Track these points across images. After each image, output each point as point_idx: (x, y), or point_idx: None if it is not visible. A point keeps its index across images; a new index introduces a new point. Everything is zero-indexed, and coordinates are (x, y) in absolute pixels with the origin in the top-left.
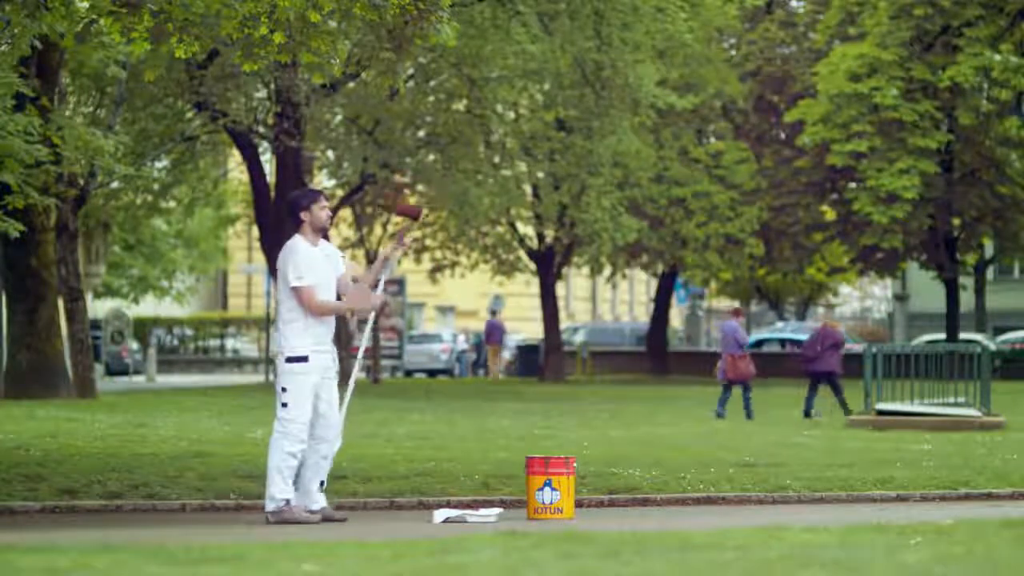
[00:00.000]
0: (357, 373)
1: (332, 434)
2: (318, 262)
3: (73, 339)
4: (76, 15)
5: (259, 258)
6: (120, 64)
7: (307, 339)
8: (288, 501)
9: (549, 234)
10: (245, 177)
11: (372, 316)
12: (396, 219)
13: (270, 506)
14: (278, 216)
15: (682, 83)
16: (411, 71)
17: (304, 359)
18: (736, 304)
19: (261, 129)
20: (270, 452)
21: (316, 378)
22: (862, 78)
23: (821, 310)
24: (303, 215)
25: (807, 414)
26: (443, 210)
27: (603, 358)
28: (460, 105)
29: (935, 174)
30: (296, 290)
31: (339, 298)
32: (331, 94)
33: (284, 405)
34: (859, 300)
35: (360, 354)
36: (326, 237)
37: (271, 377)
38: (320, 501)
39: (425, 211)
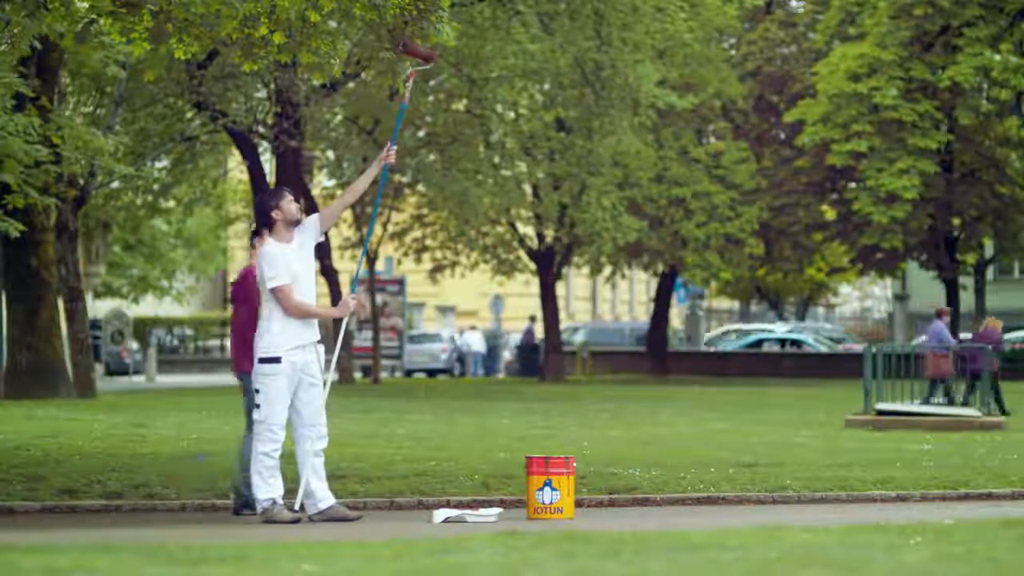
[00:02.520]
0: (332, 376)
1: (315, 432)
2: (292, 259)
3: (73, 339)
4: (76, 15)
5: None
6: (120, 64)
7: (283, 339)
8: (274, 501)
9: (549, 234)
10: (245, 177)
11: (345, 321)
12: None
13: (258, 508)
14: None
15: (682, 83)
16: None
17: (276, 360)
18: (941, 305)
19: (261, 129)
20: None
21: (290, 379)
22: (862, 78)
23: (821, 310)
24: (275, 214)
25: (1003, 410)
26: (443, 210)
27: (603, 358)
28: (460, 105)
29: (935, 174)
30: (273, 291)
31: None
32: (331, 94)
33: (257, 407)
34: (859, 300)
35: (334, 358)
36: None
37: None
38: (327, 499)
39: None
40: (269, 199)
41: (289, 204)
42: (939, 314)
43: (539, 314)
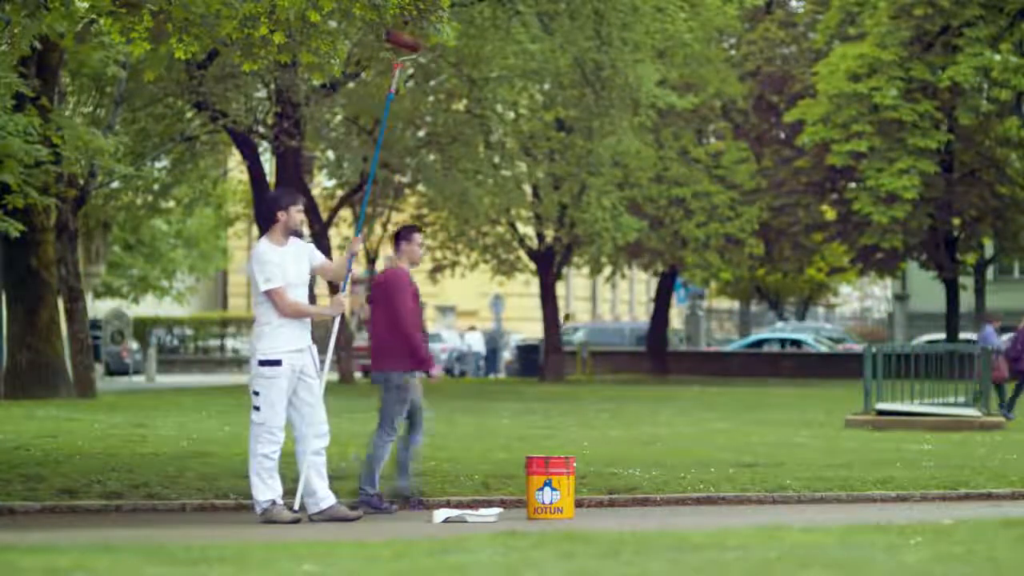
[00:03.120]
0: (325, 375)
1: (316, 431)
2: (286, 263)
3: (73, 339)
4: (76, 15)
5: None
6: (120, 64)
7: (280, 341)
8: (273, 502)
9: (549, 234)
10: (245, 177)
11: (337, 320)
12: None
13: (257, 508)
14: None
15: (682, 83)
16: (411, 71)
17: (276, 363)
18: (989, 309)
19: (261, 129)
20: (248, 457)
21: (289, 381)
22: (862, 78)
23: (821, 310)
24: (280, 215)
25: (1008, 410)
26: (443, 210)
27: (603, 358)
28: (460, 105)
29: (935, 174)
30: (267, 293)
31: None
32: (331, 94)
33: (256, 409)
34: (859, 300)
35: (328, 357)
36: (298, 235)
37: None
38: (329, 499)
39: (420, 47)
40: (280, 198)
41: (297, 213)
42: (988, 319)
43: (539, 314)
